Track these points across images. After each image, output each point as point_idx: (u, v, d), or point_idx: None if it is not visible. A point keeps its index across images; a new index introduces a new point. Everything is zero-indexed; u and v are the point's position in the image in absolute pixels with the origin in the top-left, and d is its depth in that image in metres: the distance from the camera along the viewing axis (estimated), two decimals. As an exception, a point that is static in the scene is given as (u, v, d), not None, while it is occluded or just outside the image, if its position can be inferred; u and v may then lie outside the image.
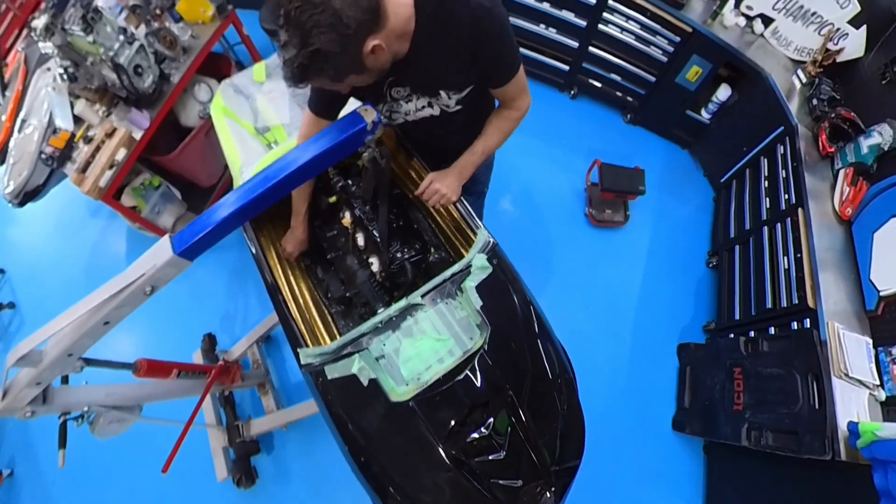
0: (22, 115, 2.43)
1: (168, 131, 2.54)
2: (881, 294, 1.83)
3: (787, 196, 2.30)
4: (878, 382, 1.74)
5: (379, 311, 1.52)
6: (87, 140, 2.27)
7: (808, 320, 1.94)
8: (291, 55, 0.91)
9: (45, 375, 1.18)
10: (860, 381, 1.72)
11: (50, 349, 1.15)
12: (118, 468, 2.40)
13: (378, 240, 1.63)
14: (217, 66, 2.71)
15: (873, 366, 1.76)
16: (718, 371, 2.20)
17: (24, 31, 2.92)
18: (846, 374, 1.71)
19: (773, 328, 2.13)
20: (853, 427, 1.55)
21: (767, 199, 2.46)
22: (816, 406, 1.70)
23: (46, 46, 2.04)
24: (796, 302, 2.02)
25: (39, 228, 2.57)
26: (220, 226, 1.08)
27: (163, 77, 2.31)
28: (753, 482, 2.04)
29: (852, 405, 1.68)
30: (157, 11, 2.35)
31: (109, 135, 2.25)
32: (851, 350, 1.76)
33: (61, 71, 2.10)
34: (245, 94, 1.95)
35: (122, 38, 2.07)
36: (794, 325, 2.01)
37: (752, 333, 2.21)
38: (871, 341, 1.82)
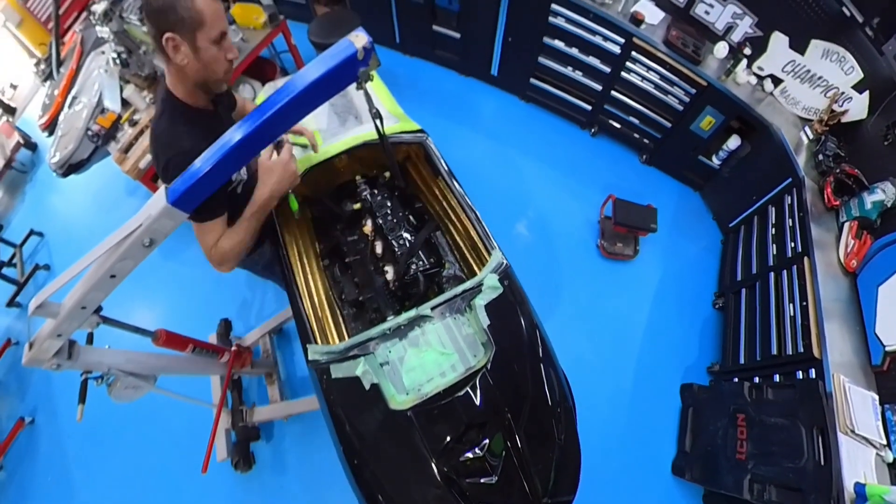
0: (73, 92, 2.46)
1: None
2: (887, 349, 1.71)
3: (793, 244, 2.23)
4: (884, 442, 1.59)
5: (389, 317, 1.47)
6: (133, 123, 2.28)
7: (813, 370, 1.81)
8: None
9: (64, 327, 1.16)
10: (867, 439, 1.58)
11: (66, 301, 1.14)
12: (128, 434, 2.40)
13: (396, 250, 1.58)
14: (263, 69, 2.73)
15: (880, 424, 1.62)
16: (721, 416, 2.05)
17: (84, 14, 2.97)
18: (852, 431, 1.57)
19: (777, 375, 1.99)
20: (860, 489, 1.41)
21: (774, 245, 2.39)
22: (822, 462, 1.55)
23: (103, 31, 2.04)
24: (802, 350, 1.90)
25: (79, 200, 2.62)
26: (211, 172, 0.98)
27: None
28: None
29: (859, 464, 1.53)
30: None
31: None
32: (857, 405, 1.62)
33: (115, 56, 2.10)
34: (286, 99, 1.95)
35: None
36: (800, 375, 1.87)
37: (756, 379, 2.07)
38: (877, 397, 1.69)
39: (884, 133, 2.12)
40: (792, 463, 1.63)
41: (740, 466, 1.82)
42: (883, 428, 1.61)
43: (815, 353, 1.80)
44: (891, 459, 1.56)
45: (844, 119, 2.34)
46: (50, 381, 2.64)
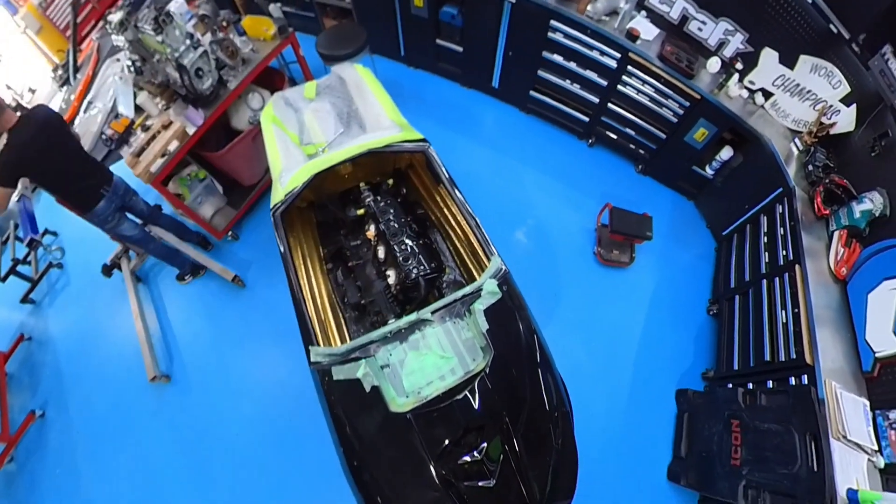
0: (89, 97, 2.48)
1: (219, 131, 2.55)
2: (877, 355, 1.69)
3: (784, 252, 2.22)
4: (876, 448, 1.56)
5: (390, 321, 1.45)
6: (145, 128, 2.30)
7: (805, 377, 1.78)
8: None
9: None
10: (859, 445, 1.55)
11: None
12: (136, 428, 2.39)
13: (398, 255, 1.57)
14: (272, 79, 2.73)
15: (871, 429, 1.59)
16: (716, 422, 2.02)
17: (100, 23, 3.01)
18: (844, 437, 1.54)
19: (771, 381, 1.96)
20: (852, 495, 1.38)
21: (766, 253, 2.38)
22: (815, 468, 1.52)
23: (119, 39, 2.06)
24: (794, 357, 1.87)
25: None
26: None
27: (221, 82, 2.32)
28: None
29: (851, 470, 1.50)
30: (224, 23, 2.38)
31: (165, 127, 2.27)
32: (849, 411, 1.59)
33: (129, 63, 2.11)
34: (294, 107, 1.95)
35: (188, 42, 2.10)
36: (792, 381, 1.84)
37: (750, 385, 2.03)
38: (868, 403, 1.66)
39: (871, 144, 2.13)
40: (786, 469, 1.60)
41: (735, 472, 1.78)
42: (874, 434, 1.58)
43: (808, 359, 1.78)
44: (882, 465, 1.53)
45: (833, 131, 2.35)
46: (61, 375, 2.63)
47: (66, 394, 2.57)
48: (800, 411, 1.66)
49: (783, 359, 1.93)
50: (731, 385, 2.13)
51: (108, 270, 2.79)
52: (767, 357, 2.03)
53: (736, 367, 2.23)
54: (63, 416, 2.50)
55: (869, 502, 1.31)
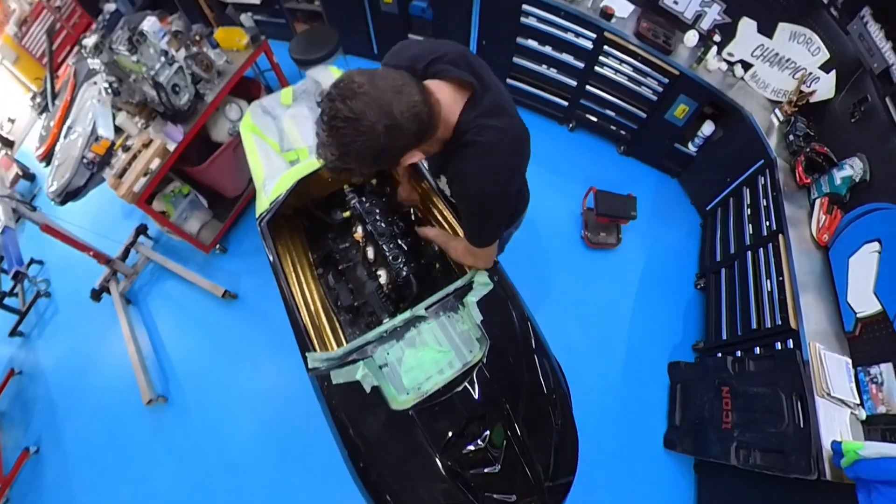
0: (68, 122, 2.46)
1: (199, 145, 2.54)
2: (858, 316, 1.76)
3: (768, 223, 2.27)
4: (858, 402, 1.64)
5: (385, 320, 1.47)
6: (126, 149, 2.30)
7: (790, 341, 1.85)
8: (326, 152, 0.89)
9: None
10: (842, 401, 1.63)
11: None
12: (134, 462, 2.36)
13: (387, 254, 1.58)
14: (248, 89, 2.72)
15: (853, 385, 1.67)
16: (707, 390, 2.09)
17: (76, 48, 3.01)
18: (828, 394, 1.62)
19: (758, 348, 2.04)
20: (836, 446, 1.45)
21: (750, 225, 2.43)
22: (801, 425, 1.60)
23: (94, 63, 2.07)
24: (779, 323, 1.94)
25: (77, 226, 2.59)
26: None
27: (198, 96, 2.33)
28: (743, 501, 1.91)
29: (835, 424, 1.58)
30: (197, 37, 2.38)
31: (146, 145, 2.27)
32: (832, 370, 1.67)
33: (106, 85, 2.12)
34: (272, 114, 1.94)
35: (163, 59, 2.10)
36: (778, 346, 1.92)
37: (738, 353, 2.11)
38: (850, 361, 1.73)
39: (851, 111, 2.14)
40: (774, 428, 1.67)
41: (727, 435, 1.86)
42: (856, 389, 1.66)
43: (792, 324, 1.85)
44: (864, 417, 1.61)
45: (813, 99, 2.36)
46: (54, 408, 2.59)
47: (61, 427, 2.52)
48: (786, 373, 1.73)
49: (769, 326, 2.00)
50: (720, 354, 2.21)
51: (97, 295, 2.75)
52: (754, 325, 2.10)
53: (724, 337, 2.30)
54: (58, 450, 2.45)
55: (852, 451, 1.37)
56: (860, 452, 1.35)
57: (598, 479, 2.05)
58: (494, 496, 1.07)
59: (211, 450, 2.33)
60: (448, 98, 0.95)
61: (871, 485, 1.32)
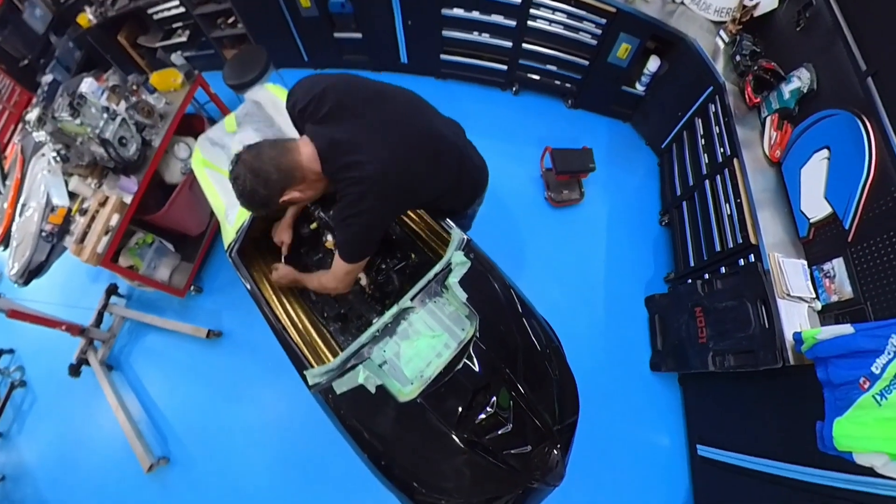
0: (22, 199, 2.43)
1: (155, 191, 2.52)
2: (811, 221, 1.89)
3: (722, 149, 2.33)
4: (814, 296, 1.81)
5: (374, 320, 1.51)
6: (83, 212, 2.27)
7: (752, 255, 2.01)
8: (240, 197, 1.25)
9: None
10: (800, 298, 1.79)
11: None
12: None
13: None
14: (192, 124, 2.71)
15: (809, 283, 1.83)
16: (682, 313, 2.27)
17: (19, 125, 2.98)
18: (788, 294, 1.78)
19: (723, 268, 2.20)
20: (797, 336, 1.63)
21: (705, 155, 2.49)
22: (766, 325, 1.78)
23: (40, 135, 2.09)
24: (741, 241, 2.08)
25: (44, 303, 2.48)
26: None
27: (145, 143, 2.35)
28: (724, 400, 2.14)
29: (795, 318, 1.75)
30: (134, 87, 2.41)
31: (102, 203, 2.25)
32: (790, 273, 1.83)
33: (54, 154, 2.14)
34: (220, 144, 1.93)
35: (105, 115, 2.12)
36: (741, 262, 2.07)
37: (706, 276, 2.28)
38: (805, 263, 1.89)
39: (795, 19, 2.12)
40: (743, 333, 1.87)
41: (703, 348, 2.07)
42: (812, 285, 1.83)
43: (752, 240, 1.98)
44: (819, 308, 1.79)
45: (757, 13, 2.30)
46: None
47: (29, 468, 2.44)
48: (750, 285, 1.90)
49: (731, 245, 2.15)
50: (690, 281, 2.40)
51: (75, 370, 2.63)
52: (718, 248, 2.25)
53: (692, 264, 2.47)
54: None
55: (810, 337, 1.55)
56: (817, 337, 1.53)
57: (597, 410, 2.18)
58: (512, 451, 1.17)
59: (228, 497, 2.30)
60: (308, 152, 1.22)
61: (827, 360, 1.50)
